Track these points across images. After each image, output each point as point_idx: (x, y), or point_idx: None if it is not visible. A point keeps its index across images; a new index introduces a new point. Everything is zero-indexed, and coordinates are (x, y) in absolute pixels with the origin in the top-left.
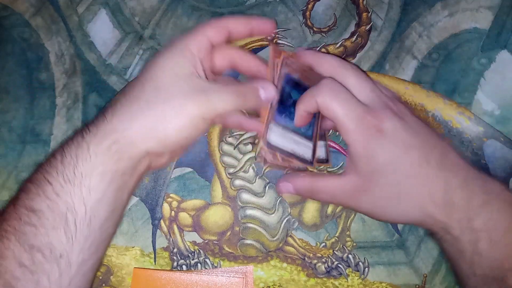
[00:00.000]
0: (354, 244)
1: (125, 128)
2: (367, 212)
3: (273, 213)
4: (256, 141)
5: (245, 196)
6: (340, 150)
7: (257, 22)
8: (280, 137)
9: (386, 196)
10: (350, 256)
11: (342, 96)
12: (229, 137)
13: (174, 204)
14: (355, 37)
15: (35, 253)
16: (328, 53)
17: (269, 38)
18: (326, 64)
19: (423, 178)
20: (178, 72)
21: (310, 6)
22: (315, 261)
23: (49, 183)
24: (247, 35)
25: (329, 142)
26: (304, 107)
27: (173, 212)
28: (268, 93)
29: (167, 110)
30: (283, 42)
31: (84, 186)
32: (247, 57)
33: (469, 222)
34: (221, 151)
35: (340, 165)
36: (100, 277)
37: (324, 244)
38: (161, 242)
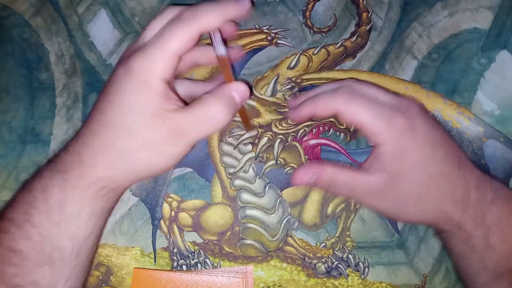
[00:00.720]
0: (354, 244)
1: (110, 175)
2: (384, 211)
3: (273, 213)
4: (256, 141)
5: (245, 196)
6: (340, 150)
7: (231, 8)
8: None
9: (409, 195)
10: (350, 256)
11: (365, 99)
12: (229, 137)
13: (174, 204)
14: (355, 37)
15: None
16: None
17: (269, 38)
18: (338, 100)
19: (447, 177)
20: (147, 112)
21: (310, 6)
22: (315, 261)
23: (31, 226)
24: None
25: (329, 142)
26: (313, 111)
27: (173, 212)
28: (241, 95)
29: (147, 157)
30: (283, 42)
31: (72, 225)
32: (207, 52)
33: (482, 217)
34: (221, 151)
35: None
36: (100, 277)
37: (324, 244)
38: (161, 242)
